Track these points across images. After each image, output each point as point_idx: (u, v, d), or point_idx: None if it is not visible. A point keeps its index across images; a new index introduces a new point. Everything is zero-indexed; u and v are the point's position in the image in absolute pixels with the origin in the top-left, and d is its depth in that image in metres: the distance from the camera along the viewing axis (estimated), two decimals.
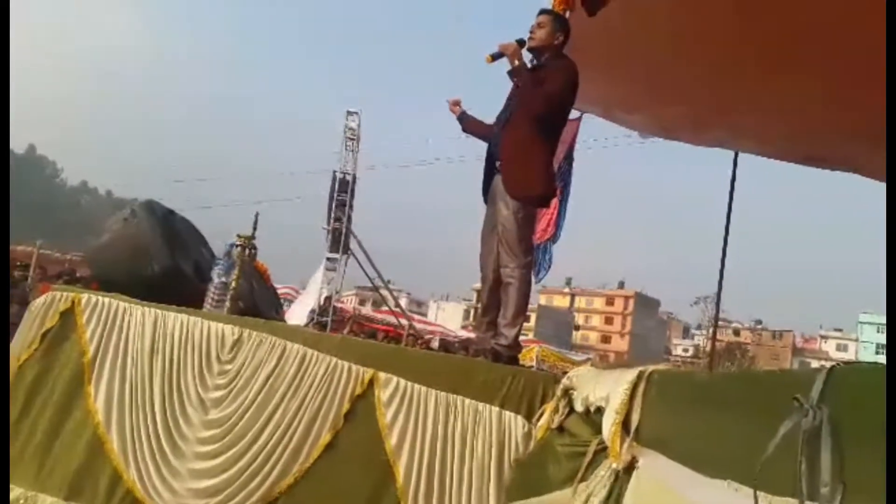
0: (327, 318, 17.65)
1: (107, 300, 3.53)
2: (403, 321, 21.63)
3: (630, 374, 2.16)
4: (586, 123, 7.89)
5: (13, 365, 3.43)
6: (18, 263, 12.51)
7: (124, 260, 3.88)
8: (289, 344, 3.36)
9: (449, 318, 58.54)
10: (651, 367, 2.15)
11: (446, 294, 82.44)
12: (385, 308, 25.07)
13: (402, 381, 3.18)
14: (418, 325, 23.34)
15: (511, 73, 3.64)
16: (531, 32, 3.74)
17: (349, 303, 36.07)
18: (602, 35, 4.21)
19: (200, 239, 4.37)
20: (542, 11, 3.82)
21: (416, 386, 3.17)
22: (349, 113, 21.83)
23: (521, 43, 3.65)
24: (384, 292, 25.22)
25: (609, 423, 1.93)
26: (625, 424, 1.90)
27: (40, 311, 3.53)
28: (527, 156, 3.64)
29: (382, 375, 3.21)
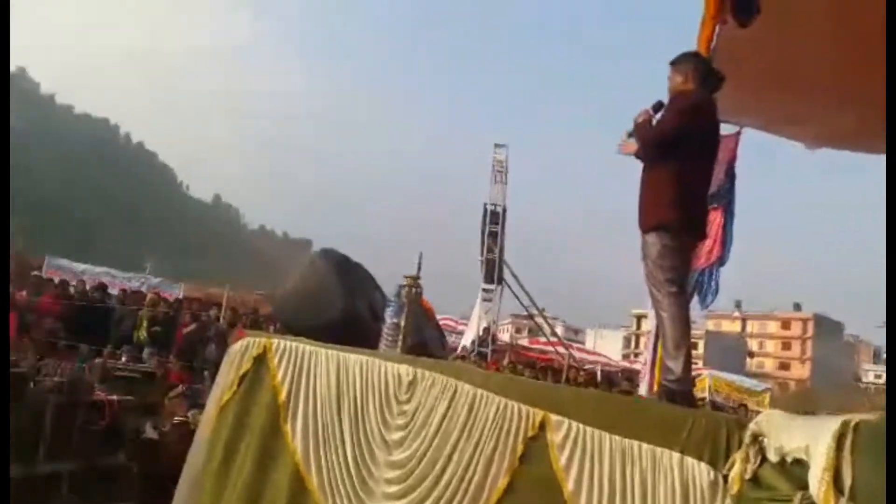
0: (487, 349, 17.85)
1: (294, 344, 3.82)
2: (562, 350, 21.33)
3: (831, 425, 1.99)
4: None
5: (215, 406, 3.82)
6: (215, 304, 14.28)
7: (307, 305, 4.21)
8: (459, 384, 3.43)
9: (608, 346, 56.74)
10: (857, 418, 1.97)
11: (604, 321, 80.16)
12: (542, 338, 24.88)
13: (574, 425, 3.13)
14: (577, 355, 22.91)
15: (630, 134, 3.79)
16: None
17: (505, 332, 36.17)
18: (756, 47, 4.05)
19: (373, 282, 4.65)
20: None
21: (589, 429, 3.10)
22: (497, 146, 22.21)
23: (658, 105, 3.75)
24: (539, 320, 25.06)
25: (817, 482, 1.79)
26: (835, 481, 1.76)
27: (236, 356, 3.90)
28: (650, 187, 3.70)
29: (553, 418, 3.18)
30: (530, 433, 3.19)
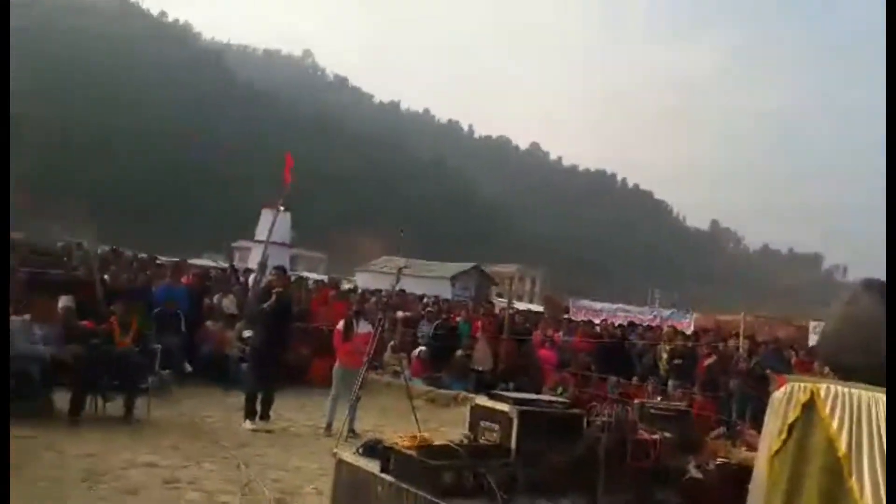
0: None
1: (846, 390, 3.45)
2: None
3: None
4: None
5: (766, 456, 3.68)
6: (732, 334, 14.16)
7: (854, 345, 3.75)
8: None
9: None
10: None
11: None
12: None
13: None
14: None
15: None
16: None
17: None
18: None
19: None
20: None
21: None
22: None
23: None
24: None
25: None
26: None
27: (781, 404, 3.70)
28: None
29: None
30: None
